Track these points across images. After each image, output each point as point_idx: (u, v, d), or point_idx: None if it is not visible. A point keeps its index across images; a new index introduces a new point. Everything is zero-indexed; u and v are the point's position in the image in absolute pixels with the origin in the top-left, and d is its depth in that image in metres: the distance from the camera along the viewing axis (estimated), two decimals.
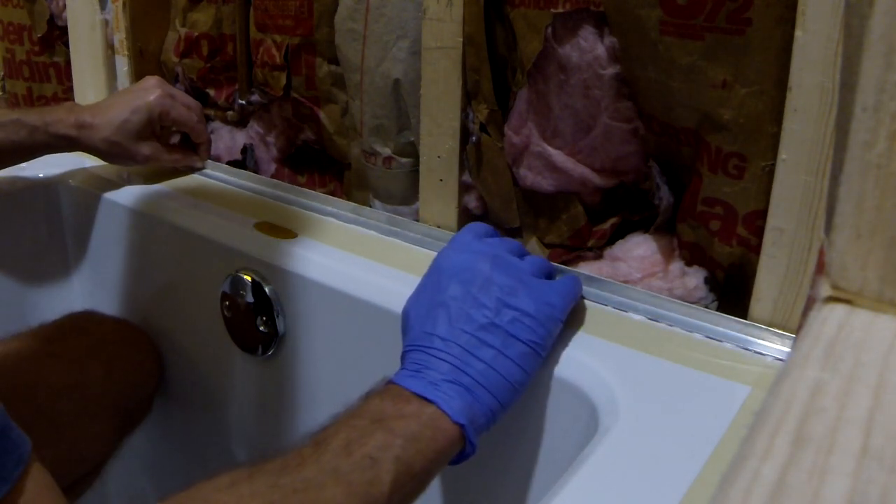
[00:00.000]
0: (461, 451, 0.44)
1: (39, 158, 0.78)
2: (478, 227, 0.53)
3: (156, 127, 0.78)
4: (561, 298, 0.49)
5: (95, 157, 0.80)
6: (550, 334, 0.48)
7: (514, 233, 0.66)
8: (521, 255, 0.52)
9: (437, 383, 0.44)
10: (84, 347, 0.73)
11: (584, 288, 0.55)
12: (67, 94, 1.00)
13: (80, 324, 0.76)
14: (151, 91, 0.78)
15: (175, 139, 0.86)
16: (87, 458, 0.70)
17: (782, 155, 0.47)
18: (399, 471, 0.40)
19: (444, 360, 0.45)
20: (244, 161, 0.86)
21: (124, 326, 0.79)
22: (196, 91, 0.88)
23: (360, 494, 0.39)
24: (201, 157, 0.83)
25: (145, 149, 0.78)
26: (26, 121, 0.73)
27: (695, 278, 0.55)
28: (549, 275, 0.52)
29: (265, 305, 0.66)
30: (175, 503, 0.37)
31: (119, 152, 0.77)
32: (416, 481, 0.42)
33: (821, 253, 0.24)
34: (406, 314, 0.49)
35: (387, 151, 0.71)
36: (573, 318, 0.52)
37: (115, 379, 0.73)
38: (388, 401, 0.44)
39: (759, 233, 0.50)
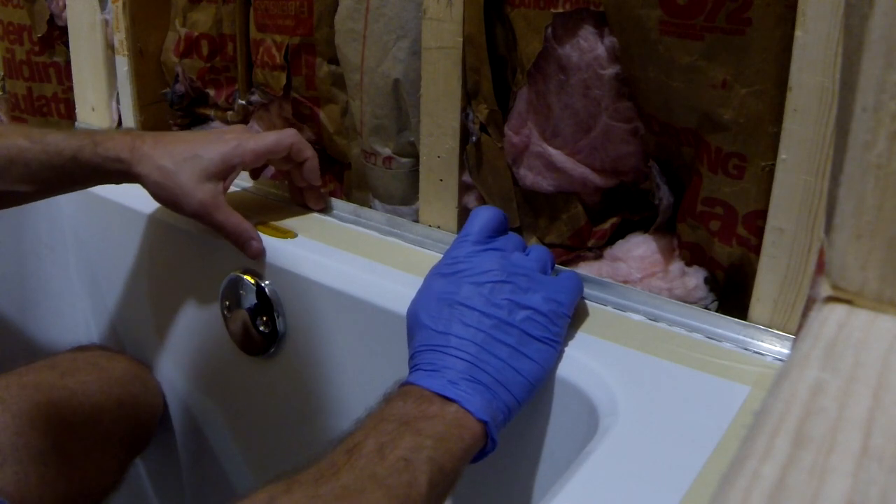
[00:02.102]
0: (483, 448, 0.44)
1: None
2: (485, 219, 0.52)
3: (231, 175, 0.65)
4: (567, 295, 0.50)
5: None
6: (561, 331, 0.49)
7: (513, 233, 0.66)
8: (524, 249, 0.53)
9: (457, 382, 0.44)
10: (97, 384, 0.74)
11: (585, 289, 0.55)
12: (67, 94, 1.00)
13: (93, 360, 0.78)
14: (228, 141, 0.65)
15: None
16: (97, 490, 0.72)
17: (782, 155, 0.47)
18: (433, 471, 0.40)
19: (460, 358, 0.45)
20: None
21: (134, 365, 0.80)
22: (196, 91, 0.88)
23: (400, 497, 0.39)
24: (315, 203, 0.72)
25: (202, 192, 0.63)
26: (71, 140, 0.64)
27: (695, 278, 0.55)
28: (550, 267, 0.53)
29: (265, 305, 0.66)
30: None
31: (171, 187, 0.62)
32: (447, 480, 0.42)
33: (821, 253, 0.24)
34: (414, 315, 0.49)
35: (387, 151, 0.70)
36: (573, 319, 0.52)
37: (124, 414, 0.75)
38: (411, 402, 0.43)
39: (759, 233, 0.50)
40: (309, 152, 0.69)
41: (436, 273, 0.50)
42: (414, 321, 0.49)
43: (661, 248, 0.58)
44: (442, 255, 0.52)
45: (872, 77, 0.21)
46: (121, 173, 0.64)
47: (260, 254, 0.65)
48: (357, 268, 0.63)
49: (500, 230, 0.53)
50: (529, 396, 0.47)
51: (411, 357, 0.48)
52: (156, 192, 0.64)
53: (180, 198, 0.63)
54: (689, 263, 0.56)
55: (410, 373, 0.46)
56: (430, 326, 0.47)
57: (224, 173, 0.64)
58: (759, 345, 0.50)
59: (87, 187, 0.69)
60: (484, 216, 0.53)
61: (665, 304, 0.54)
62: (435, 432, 0.42)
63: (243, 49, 0.82)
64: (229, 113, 0.86)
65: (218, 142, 0.65)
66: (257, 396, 0.72)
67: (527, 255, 0.52)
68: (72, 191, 0.69)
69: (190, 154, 0.63)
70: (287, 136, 0.67)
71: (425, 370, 0.45)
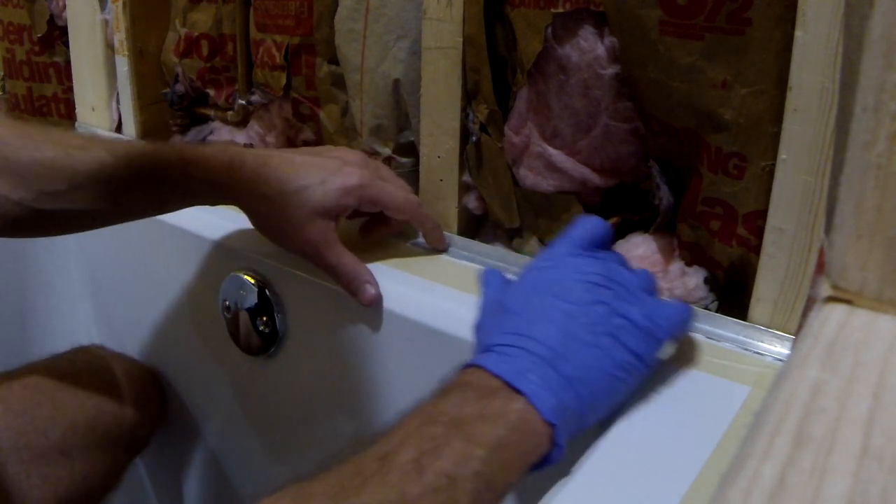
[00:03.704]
0: (545, 455, 0.38)
1: None
2: (589, 227, 0.48)
3: (343, 213, 0.58)
4: (667, 321, 0.44)
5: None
6: (653, 353, 0.43)
7: (514, 233, 0.66)
8: (627, 267, 0.47)
9: (530, 371, 0.39)
10: (97, 384, 0.74)
11: None
12: (67, 94, 1.00)
13: (93, 360, 0.78)
14: (352, 173, 0.57)
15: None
16: (97, 490, 0.72)
17: (782, 155, 0.47)
18: (479, 489, 0.35)
19: (538, 353, 0.39)
20: None
21: (134, 365, 0.80)
22: (196, 91, 0.88)
23: None
24: (438, 244, 0.64)
25: (313, 229, 0.55)
26: (157, 156, 0.56)
27: (695, 278, 0.55)
28: (654, 290, 0.48)
29: (265, 305, 0.66)
30: None
31: (277, 222, 0.56)
32: (495, 497, 0.36)
33: (821, 253, 0.24)
34: (500, 303, 0.44)
35: (387, 151, 0.71)
36: None
37: (124, 414, 0.75)
38: (470, 396, 0.38)
39: (759, 233, 0.50)
40: (429, 224, 0.62)
41: (531, 268, 0.46)
42: (498, 308, 0.44)
43: (661, 248, 0.58)
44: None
45: (872, 77, 0.21)
46: (214, 198, 0.57)
47: (375, 301, 0.57)
48: None
49: (603, 243, 0.49)
50: (609, 407, 0.41)
51: (489, 345, 0.42)
52: (257, 224, 0.58)
53: (286, 233, 0.57)
54: (689, 263, 0.56)
55: (482, 354, 0.41)
56: (516, 312, 0.42)
57: (340, 210, 0.57)
58: (759, 345, 0.50)
59: (177, 209, 0.60)
60: (589, 224, 0.48)
61: None
62: (490, 439, 0.36)
63: (243, 49, 0.82)
64: (229, 113, 0.86)
65: (338, 173, 0.56)
66: (257, 396, 0.72)
67: (630, 271, 0.47)
68: (160, 213, 0.61)
69: (303, 183, 0.55)
70: (412, 203, 0.60)
71: (498, 353, 0.40)
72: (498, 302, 0.45)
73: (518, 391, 0.38)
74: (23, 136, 0.54)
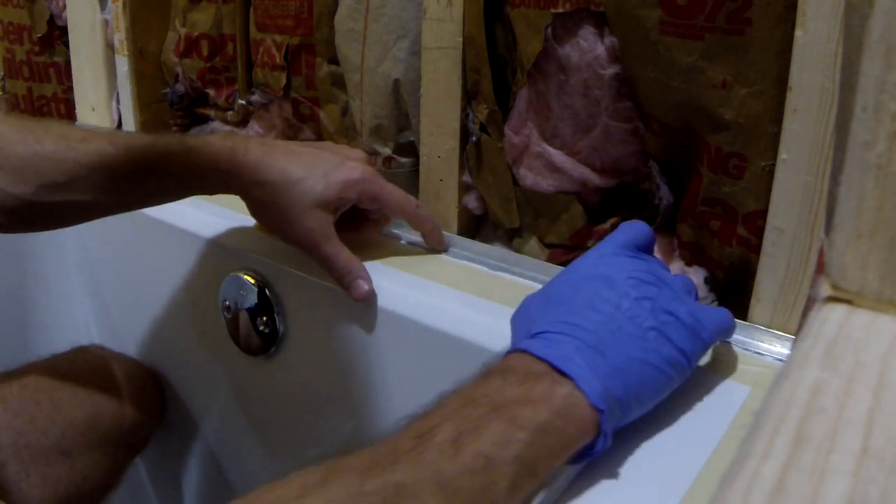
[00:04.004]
0: (589, 445, 0.37)
1: None
2: (636, 230, 0.47)
3: (342, 207, 0.58)
4: (711, 323, 0.43)
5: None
6: (697, 353, 0.42)
7: (514, 233, 0.66)
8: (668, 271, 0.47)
9: (575, 356, 0.37)
10: (97, 384, 0.74)
11: None
12: (67, 93, 1.00)
13: (93, 361, 0.78)
14: (354, 168, 0.58)
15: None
16: (97, 490, 0.72)
17: (782, 155, 0.47)
18: (519, 473, 0.33)
19: (586, 340, 0.38)
20: None
21: (134, 365, 0.80)
22: (196, 91, 0.88)
23: None
24: (437, 244, 0.64)
25: (311, 219, 0.56)
26: (159, 145, 0.56)
27: (695, 278, 0.55)
28: (696, 295, 0.47)
29: (265, 306, 0.66)
30: None
31: (276, 210, 0.56)
32: (536, 484, 0.34)
33: (821, 253, 0.24)
34: (544, 294, 0.44)
35: (387, 151, 0.71)
36: None
37: (124, 414, 0.75)
38: (513, 380, 0.36)
39: (759, 233, 0.50)
40: (429, 224, 0.62)
41: (576, 264, 0.45)
42: (542, 299, 0.43)
43: (661, 248, 0.58)
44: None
45: (872, 77, 0.21)
46: (216, 186, 0.57)
47: (368, 297, 0.57)
48: None
49: (646, 247, 0.48)
50: (651, 403, 0.40)
51: (534, 333, 0.41)
52: (257, 212, 0.59)
53: (284, 223, 0.57)
54: (689, 263, 0.56)
55: (526, 340, 0.40)
56: (561, 302, 0.41)
57: (340, 203, 0.57)
58: (759, 345, 0.50)
59: (178, 199, 0.59)
60: (635, 228, 0.47)
61: None
62: (533, 423, 0.34)
63: (243, 49, 0.82)
64: (229, 113, 0.86)
65: (341, 167, 0.57)
66: (257, 396, 0.72)
67: (673, 276, 0.46)
68: (161, 203, 0.60)
69: (305, 174, 0.56)
70: (411, 203, 0.60)
71: (544, 339, 0.39)
72: (541, 294, 0.44)
73: (565, 375, 0.36)
74: (22, 131, 0.54)
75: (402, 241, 0.67)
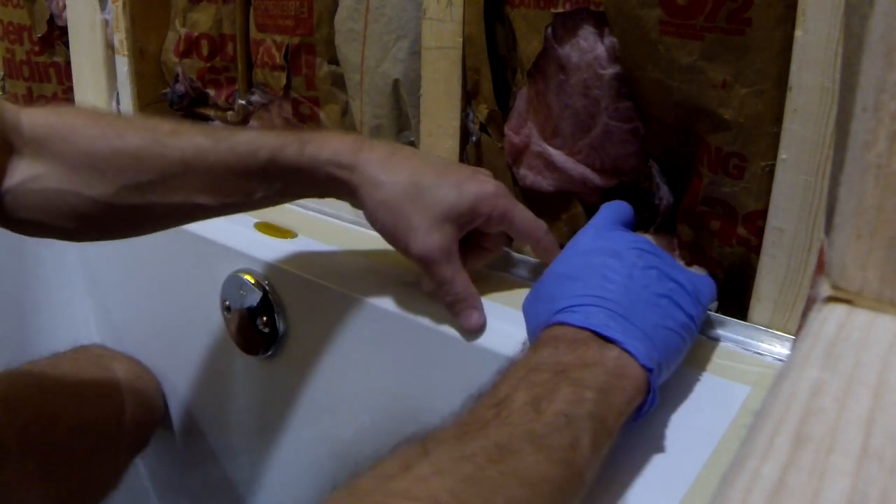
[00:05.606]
0: (641, 403, 0.38)
1: None
2: (620, 208, 0.48)
3: (470, 224, 0.51)
4: (706, 289, 0.46)
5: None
6: (700, 316, 0.44)
7: None
8: None
9: (612, 322, 0.38)
10: (98, 384, 0.74)
11: None
12: (67, 94, 1.00)
13: (93, 360, 0.78)
14: (487, 181, 0.52)
15: None
16: (97, 490, 0.72)
17: (782, 155, 0.47)
18: (596, 429, 0.34)
19: (613, 308, 0.39)
20: None
21: (134, 365, 0.80)
22: (196, 91, 0.88)
23: (563, 461, 0.32)
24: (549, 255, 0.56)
25: (437, 235, 0.49)
26: (267, 138, 0.50)
27: None
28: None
29: (265, 305, 0.66)
30: None
31: (399, 216, 0.49)
32: (610, 440, 0.36)
33: (821, 253, 0.24)
34: (557, 273, 0.44)
35: None
36: None
37: (125, 414, 0.75)
38: (564, 348, 0.37)
39: (759, 233, 0.50)
40: (554, 255, 0.50)
41: (575, 243, 0.46)
42: (551, 280, 0.44)
43: (661, 248, 0.58)
44: None
45: (872, 77, 0.21)
46: (336, 182, 0.50)
47: (479, 329, 0.51)
48: (357, 267, 0.63)
49: (630, 224, 0.49)
50: (673, 368, 0.42)
51: (560, 308, 0.41)
52: (375, 217, 0.51)
53: (406, 233, 0.50)
54: (689, 263, 0.56)
55: (557, 313, 0.40)
56: (575, 278, 0.42)
57: (471, 218, 0.51)
58: (759, 345, 0.50)
59: (287, 201, 0.53)
60: (617, 206, 0.49)
61: None
62: (596, 383, 0.35)
63: (243, 49, 0.82)
64: (229, 113, 0.86)
65: (473, 178, 0.51)
66: (257, 396, 0.72)
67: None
68: (269, 205, 0.53)
69: (437, 180, 0.50)
70: (542, 227, 0.54)
71: (576, 311, 0.39)
72: (550, 274, 0.44)
73: (609, 340, 0.38)
74: (100, 125, 0.49)
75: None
